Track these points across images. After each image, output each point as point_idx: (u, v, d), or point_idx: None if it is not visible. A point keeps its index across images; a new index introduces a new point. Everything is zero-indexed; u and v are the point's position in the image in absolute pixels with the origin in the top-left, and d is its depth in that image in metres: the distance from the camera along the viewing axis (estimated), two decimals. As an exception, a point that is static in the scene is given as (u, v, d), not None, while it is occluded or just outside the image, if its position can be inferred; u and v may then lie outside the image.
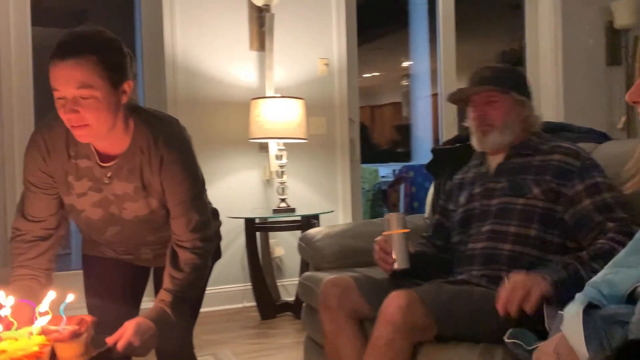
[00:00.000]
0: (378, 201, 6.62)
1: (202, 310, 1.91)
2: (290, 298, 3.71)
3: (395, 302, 1.51)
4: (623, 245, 1.35)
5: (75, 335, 1.32)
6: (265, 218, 3.64)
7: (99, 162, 1.61)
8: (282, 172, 3.65)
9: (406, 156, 9.42)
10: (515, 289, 1.42)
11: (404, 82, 11.23)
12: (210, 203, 1.81)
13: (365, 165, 6.11)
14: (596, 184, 1.67)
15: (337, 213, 4.06)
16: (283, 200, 3.61)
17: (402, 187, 5.98)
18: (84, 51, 1.43)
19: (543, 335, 1.30)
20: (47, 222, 1.67)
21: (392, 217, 1.79)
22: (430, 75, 8.17)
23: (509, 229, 1.73)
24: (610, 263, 1.21)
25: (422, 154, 7.83)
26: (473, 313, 1.54)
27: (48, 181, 1.64)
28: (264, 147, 3.87)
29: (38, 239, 1.66)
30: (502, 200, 1.78)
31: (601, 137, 2.19)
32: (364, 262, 2.21)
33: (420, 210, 5.12)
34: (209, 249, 1.70)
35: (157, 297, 1.63)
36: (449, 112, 4.67)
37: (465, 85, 1.94)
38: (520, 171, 1.80)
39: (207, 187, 1.74)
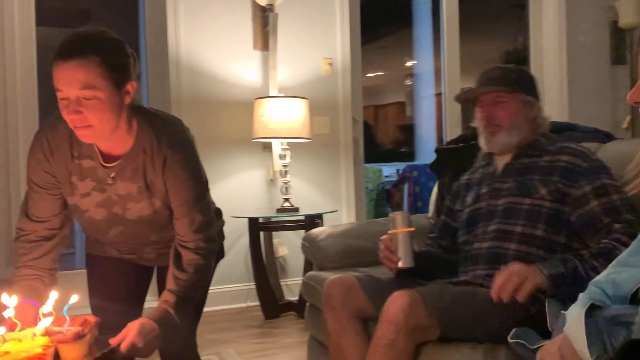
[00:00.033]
0: (382, 201, 6.62)
1: (205, 309, 1.91)
2: (294, 297, 3.71)
3: (397, 302, 1.51)
4: (626, 245, 1.34)
5: (78, 337, 1.32)
6: (269, 217, 3.64)
7: (102, 162, 1.61)
8: (286, 171, 3.64)
9: (410, 156, 9.43)
10: (511, 277, 1.47)
11: (408, 82, 11.23)
12: (213, 203, 1.81)
13: (369, 165, 6.11)
14: (604, 186, 1.67)
15: (340, 213, 4.05)
16: (287, 199, 3.60)
17: (405, 187, 5.99)
18: (87, 52, 1.43)
19: (546, 335, 1.30)
20: (51, 222, 1.67)
21: (397, 216, 1.78)
22: (434, 74, 8.18)
23: (515, 229, 1.72)
24: (614, 262, 1.20)
25: (426, 153, 7.84)
26: (476, 314, 1.53)
27: (52, 181, 1.64)
28: (267, 147, 3.87)
29: (42, 239, 1.66)
30: (509, 200, 1.78)
31: (605, 137, 2.18)
32: (367, 262, 2.22)
33: (424, 209, 5.13)
34: (213, 249, 1.70)
35: (161, 298, 1.63)
36: (453, 112, 4.65)
37: (469, 84, 1.93)
38: (527, 171, 1.79)
39: (210, 186, 1.74)
